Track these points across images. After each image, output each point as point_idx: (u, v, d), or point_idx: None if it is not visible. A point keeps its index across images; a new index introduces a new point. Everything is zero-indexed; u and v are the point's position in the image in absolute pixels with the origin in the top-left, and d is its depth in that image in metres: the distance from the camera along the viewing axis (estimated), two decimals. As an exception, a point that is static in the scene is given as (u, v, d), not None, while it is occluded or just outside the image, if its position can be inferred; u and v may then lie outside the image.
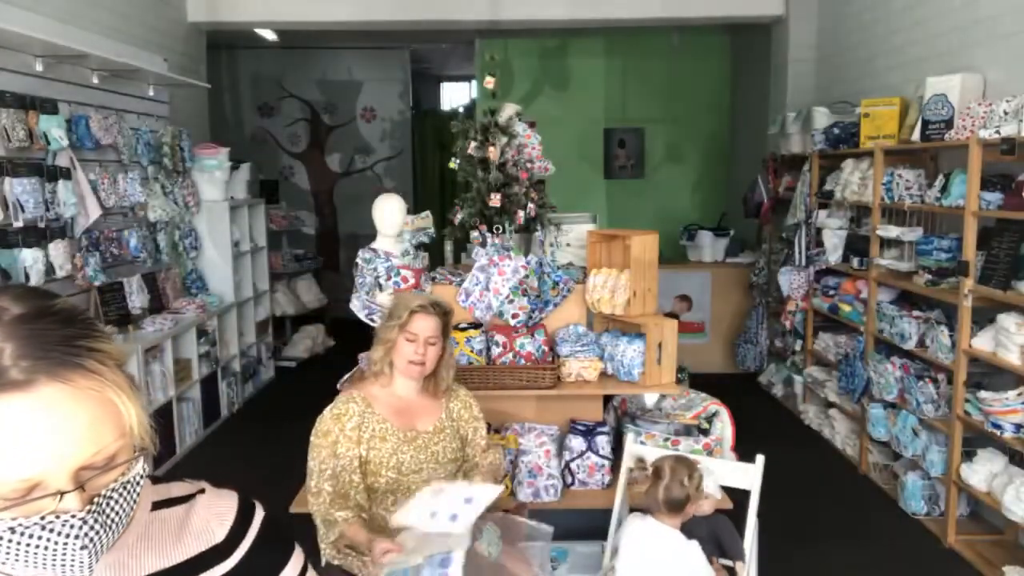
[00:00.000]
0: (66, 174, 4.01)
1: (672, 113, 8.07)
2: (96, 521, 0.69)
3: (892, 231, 4.14)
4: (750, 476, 2.57)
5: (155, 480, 0.88)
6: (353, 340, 3.47)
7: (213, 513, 0.88)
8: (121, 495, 0.72)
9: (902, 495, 4.00)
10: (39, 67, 3.91)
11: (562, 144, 6.80)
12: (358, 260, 3.16)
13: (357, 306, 3.09)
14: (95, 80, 4.44)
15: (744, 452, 2.82)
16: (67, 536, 0.67)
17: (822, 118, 5.16)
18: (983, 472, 3.41)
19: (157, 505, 0.86)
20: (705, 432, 3.11)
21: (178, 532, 0.85)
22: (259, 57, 8.68)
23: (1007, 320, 3.23)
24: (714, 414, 3.15)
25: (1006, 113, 3.32)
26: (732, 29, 7.56)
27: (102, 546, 0.70)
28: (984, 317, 3.44)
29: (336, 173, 9.08)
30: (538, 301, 3.14)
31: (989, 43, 3.81)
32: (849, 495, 4.27)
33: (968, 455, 3.53)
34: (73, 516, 0.67)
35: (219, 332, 5.47)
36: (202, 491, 0.90)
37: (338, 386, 2.73)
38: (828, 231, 4.92)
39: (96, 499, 0.69)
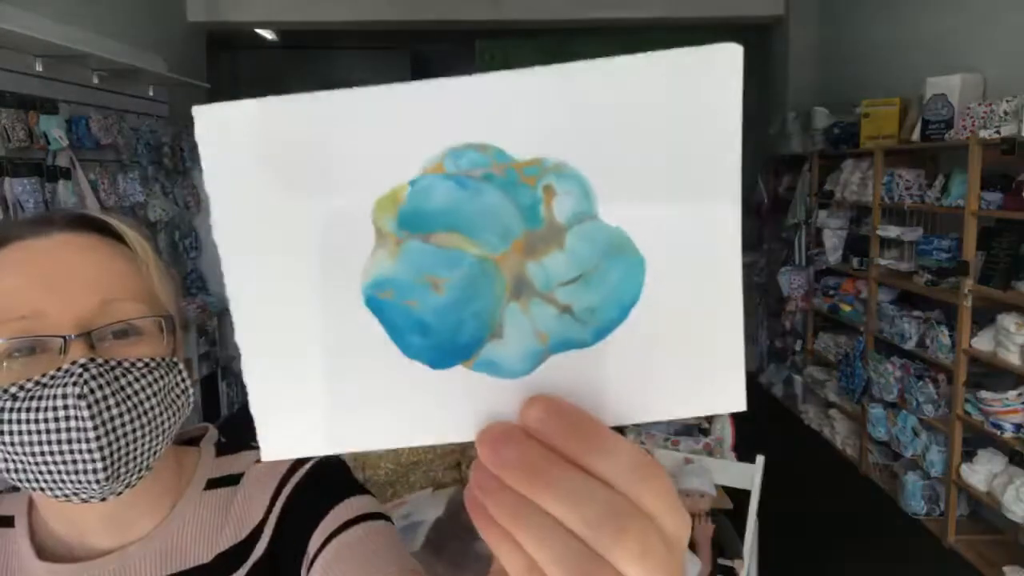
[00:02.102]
0: (66, 174, 4.01)
1: (672, 113, 8.06)
2: (102, 376, 0.61)
3: (892, 231, 4.14)
4: (750, 476, 2.57)
5: (225, 449, 0.80)
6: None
7: (257, 487, 0.76)
8: (144, 377, 0.64)
9: (902, 495, 4.00)
10: (39, 67, 3.91)
11: (562, 144, 6.79)
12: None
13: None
14: (95, 80, 4.44)
15: (744, 452, 2.82)
16: (65, 386, 0.59)
17: (822, 118, 5.16)
18: (983, 472, 3.41)
19: (212, 483, 0.77)
20: (705, 432, 3.11)
21: (223, 518, 0.75)
22: (259, 57, 8.69)
23: (1007, 320, 3.22)
24: (714, 414, 3.14)
25: (1006, 113, 3.32)
26: (732, 29, 7.55)
27: (110, 418, 0.61)
28: (984, 317, 3.44)
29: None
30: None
31: (989, 43, 3.81)
32: (849, 495, 4.27)
33: (968, 455, 3.53)
34: (74, 363, 0.60)
35: (219, 332, 5.47)
36: (259, 460, 0.77)
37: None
38: (828, 231, 4.92)
39: (109, 360, 0.62)
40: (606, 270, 0.29)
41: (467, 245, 0.29)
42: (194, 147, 4.91)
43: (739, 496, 2.62)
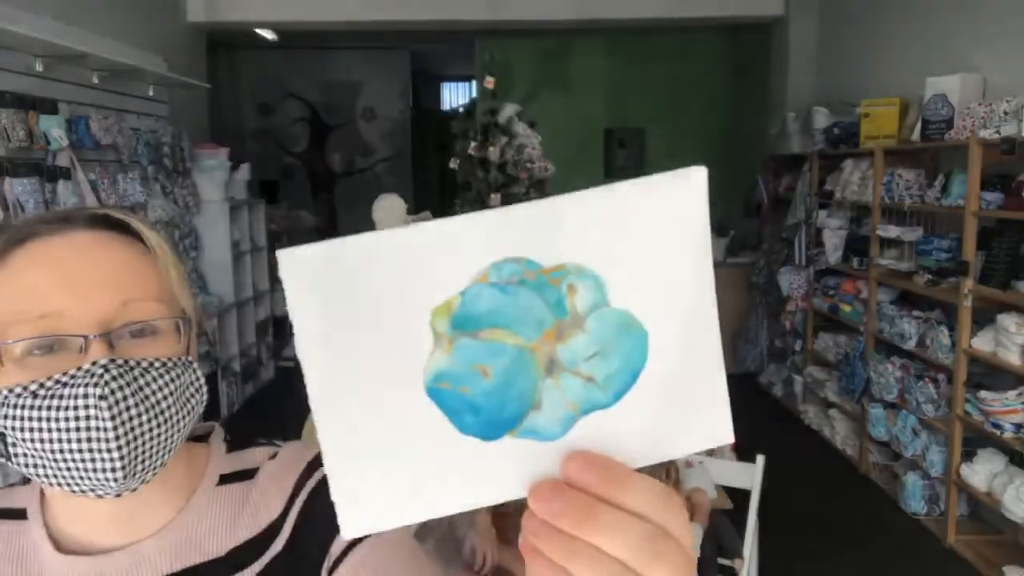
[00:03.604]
0: (66, 174, 4.01)
1: (672, 113, 8.06)
2: (122, 377, 0.62)
3: (892, 231, 4.14)
4: (750, 476, 2.57)
5: (232, 447, 0.81)
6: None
7: (273, 483, 0.76)
8: (161, 377, 0.65)
9: (902, 495, 4.00)
10: (39, 67, 3.91)
11: (562, 144, 6.80)
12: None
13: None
14: (95, 80, 4.44)
15: (744, 452, 2.82)
16: (86, 386, 0.61)
17: (822, 118, 5.16)
18: (983, 472, 3.41)
19: (225, 479, 0.77)
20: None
21: (237, 513, 0.75)
22: (259, 57, 8.68)
23: (1007, 320, 3.23)
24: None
25: (1006, 113, 3.32)
26: (732, 29, 7.55)
27: (128, 418, 0.62)
28: (984, 317, 3.44)
29: (336, 173, 9.08)
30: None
31: (989, 43, 3.81)
32: (849, 495, 4.27)
33: (968, 455, 3.54)
34: (94, 363, 0.61)
35: (219, 332, 5.47)
36: (274, 456, 0.79)
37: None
38: (828, 231, 4.92)
39: (128, 360, 0.63)
40: (618, 344, 0.36)
41: (508, 337, 0.35)
42: (193, 147, 4.92)
43: (739, 496, 2.62)
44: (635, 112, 8.13)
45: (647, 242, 0.36)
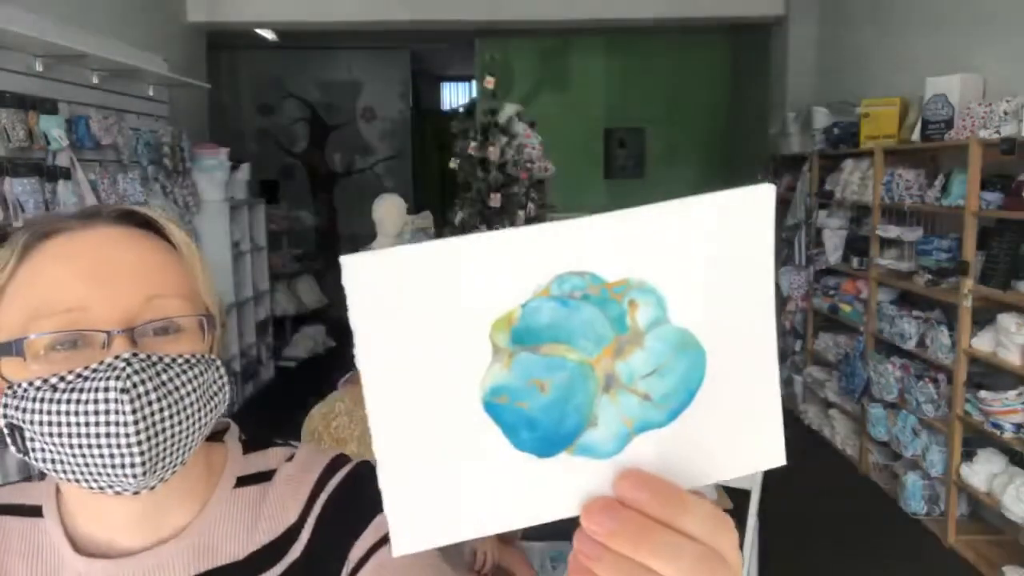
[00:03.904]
0: (66, 174, 4.01)
1: (672, 113, 8.07)
2: (144, 371, 0.61)
3: (892, 231, 4.14)
4: (750, 476, 2.57)
5: (248, 447, 0.80)
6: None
7: (291, 486, 0.75)
8: (184, 373, 0.64)
9: (902, 495, 4.00)
10: (39, 67, 3.92)
11: (562, 144, 6.80)
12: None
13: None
14: (95, 80, 4.44)
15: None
16: (107, 379, 0.60)
17: (822, 118, 5.16)
18: (983, 472, 3.41)
19: (242, 481, 0.76)
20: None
21: (255, 516, 0.74)
22: (259, 57, 8.68)
23: (1007, 320, 3.23)
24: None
25: (1006, 113, 3.32)
26: (732, 29, 7.56)
27: (150, 413, 0.61)
28: (984, 317, 3.44)
29: (336, 173, 9.08)
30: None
31: (989, 43, 3.81)
32: (849, 495, 4.27)
33: (968, 455, 3.54)
34: (117, 357, 0.61)
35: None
36: (291, 458, 0.78)
37: (338, 385, 2.73)
38: (828, 231, 4.92)
39: (151, 355, 0.63)
40: (676, 363, 0.36)
41: (569, 352, 0.35)
42: (193, 147, 4.93)
43: (739, 496, 2.62)
44: (635, 112, 8.13)
45: (710, 260, 0.36)
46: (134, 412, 0.60)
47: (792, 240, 5.29)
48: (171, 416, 0.62)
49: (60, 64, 4.08)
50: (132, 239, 0.67)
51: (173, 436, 0.63)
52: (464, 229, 3.44)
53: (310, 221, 8.40)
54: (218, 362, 0.69)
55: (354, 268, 0.34)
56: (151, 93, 5.14)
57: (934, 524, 3.81)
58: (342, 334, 7.20)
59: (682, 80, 8.00)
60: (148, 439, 0.61)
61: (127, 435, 0.60)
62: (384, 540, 0.69)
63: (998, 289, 3.26)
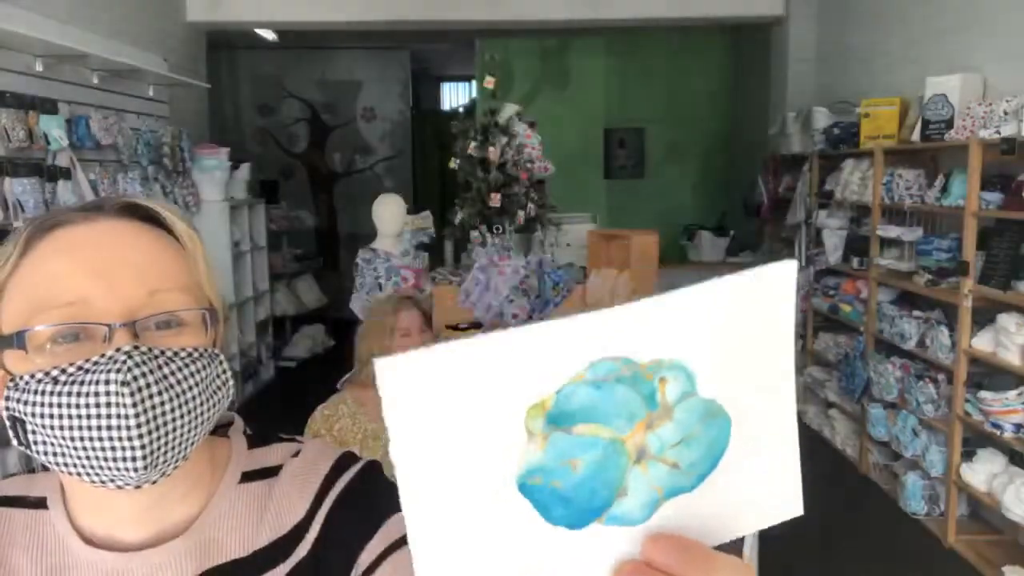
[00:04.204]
0: (66, 174, 4.01)
1: (672, 113, 8.07)
2: (146, 364, 0.61)
3: (892, 231, 4.14)
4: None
5: (253, 442, 0.79)
6: (353, 340, 3.47)
7: (297, 483, 0.74)
8: (187, 366, 0.64)
9: (902, 495, 4.00)
10: (39, 67, 3.92)
11: (562, 144, 6.80)
12: (358, 260, 3.17)
13: (357, 306, 3.09)
14: (95, 80, 4.44)
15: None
16: (108, 372, 0.59)
17: (822, 118, 5.16)
18: (983, 472, 3.41)
19: (247, 476, 0.75)
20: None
21: (260, 512, 0.73)
22: (259, 57, 8.68)
23: (1007, 320, 3.23)
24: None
25: (1006, 113, 3.32)
26: (732, 29, 7.56)
27: (151, 406, 0.60)
28: (984, 317, 3.44)
29: (336, 173, 9.08)
30: (538, 301, 3.15)
31: (989, 43, 3.81)
32: (849, 495, 4.27)
33: (968, 455, 3.54)
34: (118, 350, 0.60)
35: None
36: (297, 454, 0.77)
37: (338, 386, 2.73)
38: (828, 231, 4.92)
39: (153, 348, 0.62)
40: (704, 432, 0.37)
41: (602, 431, 0.36)
42: (193, 147, 4.93)
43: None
44: (635, 112, 8.13)
45: (737, 334, 0.38)
46: (135, 405, 0.59)
47: (792, 240, 5.29)
48: (173, 409, 0.62)
49: (60, 64, 4.09)
50: (135, 232, 0.67)
51: (175, 429, 0.62)
52: (464, 229, 3.44)
53: (310, 221, 8.39)
54: (221, 356, 0.69)
55: (389, 373, 0.34)
56: (151, 93, 5.14)
57: (934, 524, 3.81)
58: (342, 334, 7.23)
59: (682, 80, 8.00)
60: (149, 432, 0.60)
61: (127, 428, 0.59)
62: (395, 545, 0.69)
63: (998, 289, 3.26)
